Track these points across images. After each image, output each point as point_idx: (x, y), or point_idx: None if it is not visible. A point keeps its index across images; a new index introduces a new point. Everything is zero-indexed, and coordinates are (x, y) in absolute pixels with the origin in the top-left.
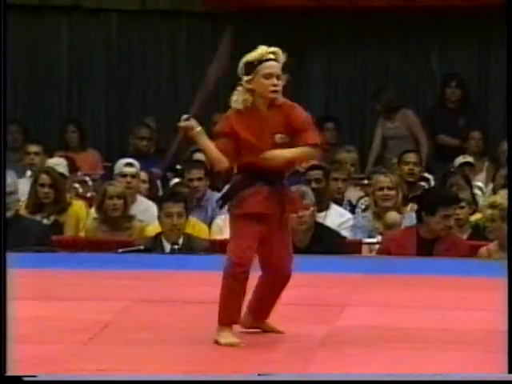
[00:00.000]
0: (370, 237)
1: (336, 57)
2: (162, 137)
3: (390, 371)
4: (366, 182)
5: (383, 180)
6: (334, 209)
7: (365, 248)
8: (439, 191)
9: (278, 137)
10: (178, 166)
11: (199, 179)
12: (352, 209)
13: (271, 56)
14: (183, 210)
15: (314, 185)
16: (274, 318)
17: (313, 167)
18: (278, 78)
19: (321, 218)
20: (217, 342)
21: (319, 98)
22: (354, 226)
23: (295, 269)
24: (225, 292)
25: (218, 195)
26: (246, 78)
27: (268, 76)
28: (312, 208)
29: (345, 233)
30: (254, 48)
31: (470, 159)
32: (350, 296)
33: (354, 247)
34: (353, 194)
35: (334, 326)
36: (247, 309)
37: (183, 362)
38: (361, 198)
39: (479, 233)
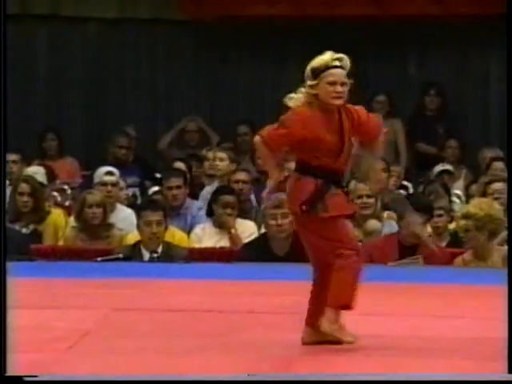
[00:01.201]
0: None
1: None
2: (140, 145)
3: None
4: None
5: (362, 188)
6: None
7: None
8: (411, 198)
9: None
10: (157, 175)
11: (178, 187)
12: None
13: (337, 63)
14: (162, 218)
15: None
16: (253, 325)
17: None
18: (342, 85)
19: None
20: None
21: None
22: None
23: (274, 277)
24: (349, 279)
25: (197, 203)
26: (310, 82)
27: (332, 83)
28: (291, 216)
29: None
30: (231, 55)
31: (448, 167)
32: None
33: None
34: None
35: None
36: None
37: (163, 369)
38: None
39: (458, 241)
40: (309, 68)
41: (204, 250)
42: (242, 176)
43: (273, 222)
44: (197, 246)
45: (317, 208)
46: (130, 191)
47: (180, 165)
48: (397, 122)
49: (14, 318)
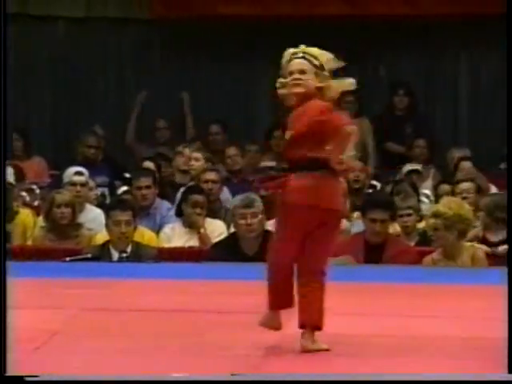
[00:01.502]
0: None
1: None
2: (110, 145)
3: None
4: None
5: None
6: None
7: None
8: (373, 195)
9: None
10: (127, 174)
11: (147, 187)
12: None
13: (298, 54)
14: (131, 218)
15: (262, 192)
16: (222, 325)
17: None
18: (300, 73)
19: (270, 225)
20: (306, 348)
21: (266, 108)
22: None
23: (243, 276)
24: (320, 296)
25: (166, 204)
26: (279, 80)
27: (290, 73)
28: (261, 215)
29: None
30: (199, 54)
31: (417, 167)
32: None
33: None
34: None
35: (283, 333)
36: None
37: (132, 369)
38: None
39: (426, 240)
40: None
41: (173, 250)
42: (211, 176)
43: (242, 222)
44: (166, 245)
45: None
46: (99, 191)
47: (149, 164)
48: (365, 121)
49: None
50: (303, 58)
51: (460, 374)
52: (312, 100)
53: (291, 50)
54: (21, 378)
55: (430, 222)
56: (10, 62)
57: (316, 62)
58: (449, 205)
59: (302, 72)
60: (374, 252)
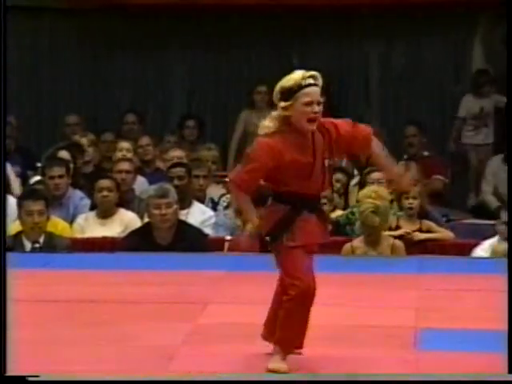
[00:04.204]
0: (232, 234)
1: (199, 55)
2: (22, 135)
3: (251, 368)
4: (227, 179)
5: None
6: (197, 206)
7: (227, 245)
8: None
9: (326, 161)
10: (39, 164)
11: (60, 177)
12: (214, 206)
13: (311, 81)
14: (44, 208)
15: (176, 182)
16: (136, 315)
17: (175, 165)
18: (318, 104)
19: (183, 215)
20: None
21: (181, 96)
22: (216, 223)
23: (157, 266)
24: (289, 320)
25: (79, 193)
26: (283, 104)
27: (308, 103)
28: (175, 206)
29: (207, 230)
30: (116, 43)
31: None
32: (212, 293)
33: (216, 245)
34: (215, 191)
35: (197, 323)
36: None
37: (43, 360)
38: (223, 195)
39: (340, 229)
40: (278, 89)
41: (87, 240)
42: (124, 166)
43: (156, 212)
44: (79, 236)
45: (282, 237)
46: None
47: (63, 154)
48: None
49: None
50: (316, 85)
51: (460, 374)
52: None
53: (303, 73)
54: (21, 377)
55: (362, 207)
56: None
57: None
58: (374, 192)
59: (319, 104)
60: None
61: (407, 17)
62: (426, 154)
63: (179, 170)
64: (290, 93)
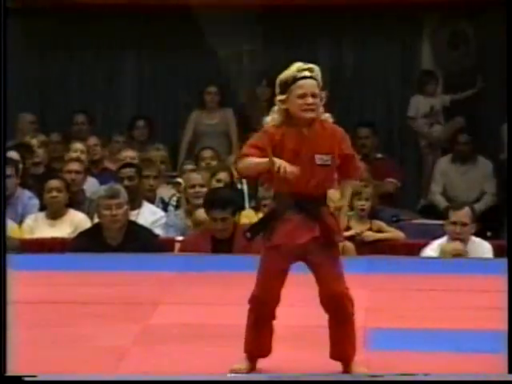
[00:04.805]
0: (182, 234)
1: (148, 55)
2: None
3: (202, 368)
4: (178, 179)
5: (195, 177)
6: (147, 207)
7: (177, 246)
8: (213, 194)
9: (319, 158)
10: None
11: (8, 177)
12: (164, 207)
13: (306, 73)
14: None
15: (126, 182)
16: (86, 316)
17: (125, 165)
18: (313, 96)
19: (134, 216)
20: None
21: (131, 96)
22: (166, 223)
23: (107, 267)
24: (247, 323)
25: (28, 193)
26: (279, 97)
27: (301, 96)
28: (125, 206)
29: (158, 231)
30: (63, 44)
31: None
32: (162, 294)
33: (166, 245)
34: (165, 191)
35: (147, 324)
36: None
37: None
38: (173, 195)
39: None
40: (277, 82)
41: (36, 241)
42: (74, 166)
43: (107, 212)
44: (29, 236)
45: (262, 235)
46: None
47: (13, 154)
48: (229, 111)
49: None
50: (312, 77)
51: (460, 374)
52: (323, 122)
53: (299, 66)
54: (19, 377)
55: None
56: None
57: (318, 82)
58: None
59: (315, 96)
60: (222, 246)
61: (356, 17)
62: (378, 156)
63: (129, 171)
64: (285, 85)
